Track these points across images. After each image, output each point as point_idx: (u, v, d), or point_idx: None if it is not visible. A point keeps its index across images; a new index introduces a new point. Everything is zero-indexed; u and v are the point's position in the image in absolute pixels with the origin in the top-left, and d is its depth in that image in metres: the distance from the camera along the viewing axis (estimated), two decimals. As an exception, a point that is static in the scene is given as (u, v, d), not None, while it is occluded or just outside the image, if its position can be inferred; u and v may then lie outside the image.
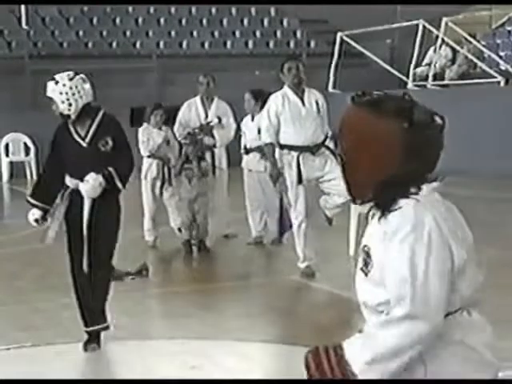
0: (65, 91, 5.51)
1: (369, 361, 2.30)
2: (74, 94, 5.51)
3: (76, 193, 5.57)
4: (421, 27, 16.80)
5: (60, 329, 6.21)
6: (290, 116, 7.55)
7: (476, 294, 2.41)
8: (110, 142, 5.58)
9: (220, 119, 9.30)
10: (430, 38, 17.34)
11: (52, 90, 5.55)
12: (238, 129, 9.59)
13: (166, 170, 9.20)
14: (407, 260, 2.27)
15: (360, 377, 2.30)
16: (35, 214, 5.66)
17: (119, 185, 5.55)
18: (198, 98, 9.51)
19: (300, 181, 7.53)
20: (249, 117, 9.43)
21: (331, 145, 7.54)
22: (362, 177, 2.38)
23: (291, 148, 7.55)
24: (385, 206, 2.34)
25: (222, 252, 9.23)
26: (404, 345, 2.28)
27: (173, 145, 9.27)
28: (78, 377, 5.20)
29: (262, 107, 9.23)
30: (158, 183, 9.19)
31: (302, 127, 7.54)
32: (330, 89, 17.45)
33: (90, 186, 5.50)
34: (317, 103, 7.62)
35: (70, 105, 5.53)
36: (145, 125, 9.40)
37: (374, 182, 2.35)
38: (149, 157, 9.23)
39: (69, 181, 5.62)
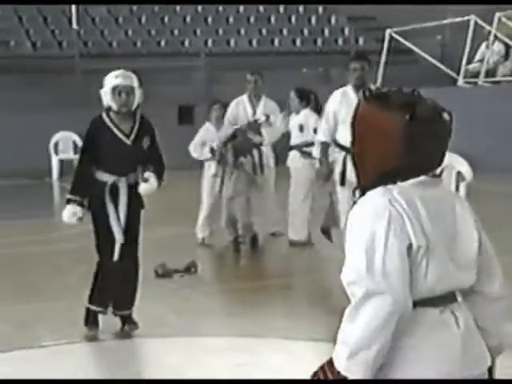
0: (140, 87, 5.80)
1: (348, 356, 2.31)
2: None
3: (111, 187, 5.73)
4: (472, 23, 16.58)
5: (109, 325, 6.26)
6: (345, 115, 7.34)
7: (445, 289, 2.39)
8: (148, 142, 5.83)
9: (268, 117, 9.29)
10: (482, 34, 17.09)
11: (136, 83, 5.77)
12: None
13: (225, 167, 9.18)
14: (363, 239, 2.32)
15: (347, 375, 2.31)
16: (77, 211, 5.73)
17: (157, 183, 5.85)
18: (245, 96, 9.52)
19: (343, 182, 7.46)
20: (293, 115, 9.42)
21: None
22: (368, 167, 2.46)
23: (341, 147, 7.48)
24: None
25: (270, 250, 9.21)
26: (374, 327, 2.27)
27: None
28: (124, 373, 5.22)
29: (306, 105, 9.24)
30: (218, 180, 9.18)
31: None
32: (379, 86, 17.32)
33: (149, 186, 5.75)
34: None
35: (139, 101, 5.79)
36: (206, 124, 9.36)
37: (379, 172, 2.42)
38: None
39: (106, 176, 5.76)
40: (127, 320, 5.96)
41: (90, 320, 5.96)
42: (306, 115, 9.22)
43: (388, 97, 2.45)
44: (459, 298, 2.50)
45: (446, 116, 2.48)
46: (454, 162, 8.60)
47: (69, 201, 5.80)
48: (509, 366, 4.32)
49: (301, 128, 9.20)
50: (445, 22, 17.99)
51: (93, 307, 5.94)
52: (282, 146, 9.67)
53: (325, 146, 7.57)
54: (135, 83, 5.79)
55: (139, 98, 5.79)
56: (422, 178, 2.44)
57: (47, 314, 6.65)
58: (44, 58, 18.90)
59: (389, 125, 2.40)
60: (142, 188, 5.78)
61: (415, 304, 2.35)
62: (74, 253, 8.73)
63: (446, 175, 8.34)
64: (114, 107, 5.75)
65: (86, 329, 5.95)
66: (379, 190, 2.39)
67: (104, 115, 5.83)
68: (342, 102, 7.45)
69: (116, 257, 5.76)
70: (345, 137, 7.47)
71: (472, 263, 2.47)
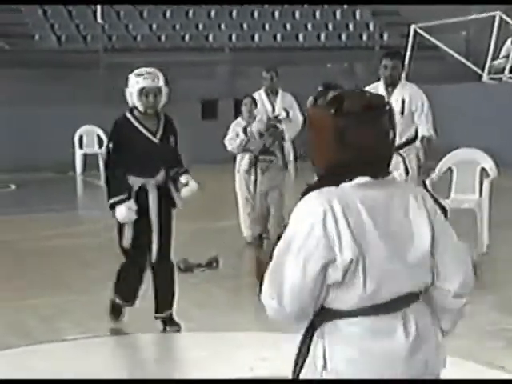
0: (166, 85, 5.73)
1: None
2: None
3: (140, 190, 5.65)
4: (497, 18, 16.46)
5: (132, 319, 6.29)
6: None
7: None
8: (173, 140, 5.79)
9: (288, 112, 9.28)
10: (507, 30, 16.97)
11: (162, 81, 5.69)
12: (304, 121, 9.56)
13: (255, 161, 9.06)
14: (282, 243, 2.35)
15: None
16: (130, 205, 5.56)
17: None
18: (262, 92, 9.52)
19: None
20: None
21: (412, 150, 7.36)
22: (316, 162, 2.47)
23: None
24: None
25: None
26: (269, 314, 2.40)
27: (266, 138, 9.18)
28: (146, 367, 5.25)
29: None
30: (252, 177, 9.07)
31: None
32: (403, 82, 17.23)
33: (191, 188, 5.77)
34: (403, 102, 7.35)
35: (165, 100, 5.72)
36: (238, 119, 9.29)
37: (324, 167, 2.43)
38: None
39: (133, 180, 5.64)
40: (169, 321, 5.87)
41: (115, 312, 5.98)
42: None
43: (323, 95, 2.44)
44: (418, 299, 2.45)
45: (381, 110, 2.42)
46: (478, 158, 8.56)
47: (113, 206, 5.58)
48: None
49: None
50: (470, 17, 17.86)
51: (118, 300, 5.95)
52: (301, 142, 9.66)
53: None
54: (161, 82, 5.67)
55: (165, 96, 5.71)
56: (366, 179, 2.38)
57: (71, 308, 6.68)
58: (69, 52, 18.99)
59: (319, 120, 2.42)
60: (185, 191, 5.77)
61: (355, 314, 2.34)
62: (98, 247, 8.76)
63: (469, 171, 8.32)
64: (141, 108, 5.64)
65: (111, 321, 5.97)
66: (316, 195, 2.36)
67: (128, 114, 5.72)
68: None
69: (154, 259, 5.70)
70: None
71: (426, 261, 2.41)
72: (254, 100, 9.20)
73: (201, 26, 20.90)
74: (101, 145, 17.37)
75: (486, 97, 15.81)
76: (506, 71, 16.39)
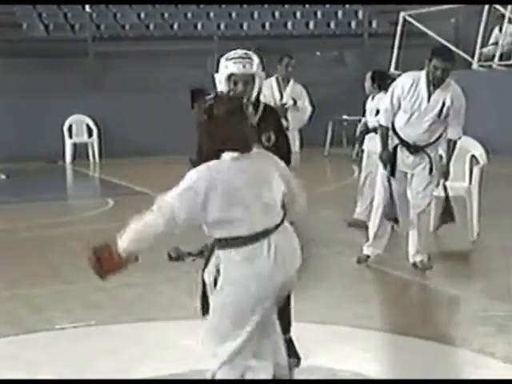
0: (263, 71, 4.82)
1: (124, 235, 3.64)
2: None
3: None
4: (486, 6, 16.46)
5: (123, 308, 6.28)
6: (409, 105, 7.05)
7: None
8: (273, 136, 4.84)
9: (295, 101, 9.23)
10: (496, 17, 16.98)
11: (257, 67, 4.72)
12: (314, 111, 9.55)
13: None
14: (182, 184, 3.59)
15: (120, 245, 3.72)
16: None
17: None
18: (273, 79, 9.39)
19: (393, 173, 7.22)
20: (369, 98, 9.37)
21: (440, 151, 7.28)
22: (204, 148, 3.73)
23: (397, 135, 7.21)
24: None
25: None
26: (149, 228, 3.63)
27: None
28: (136, 355, 5.24)
29: (379, 88, 9.16)
30: None
31: (415, 121, 7.05)
32: (392, 70, 17.23)
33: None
34: (443, 104, 6.99)
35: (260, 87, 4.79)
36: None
37: (207, 151, 3.67)
38: None
39: None
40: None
41: None
42: (380, 99, 9.13)
43: (205, 102, 3.70)
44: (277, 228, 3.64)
45: (239, 111, 3.67)
46: (468, 146, 8.57)
47: None
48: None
49: (377, 112, 9.11)
50: (459, 5, 17.86)
51: None
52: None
53: (385, 130, 7.23)
54: (254, 68, 4.66)
55: (260, 84, 4.71)
56: (235, 154, 3.61)
57: (62, 297, 6.68)
58: (57, 41, 18.90)
59: (197, 122, 3.68)
60: None
61: (236, 244, 3.60)
62: (86, 236, 8.74)
63: (459, 158, 8.33)
64: None
65: None
66: (204, 165, 3.61)
67: None
68: (411, 91, 7.03)
69: None
70: (403, 126, 7.10)
71: (278, 203, 3.66)
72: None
73: (189, 15, 20.83)
74: (90, 134, 17.33)
75: (475, 84, 15.83)
76: (496, 58, 16.40)
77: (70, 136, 17.35)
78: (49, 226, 9.80)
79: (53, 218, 10.35)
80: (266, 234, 3.59)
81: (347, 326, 5.77)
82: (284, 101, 9.32)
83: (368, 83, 9.31)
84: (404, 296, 6.87)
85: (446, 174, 7.30)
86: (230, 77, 4.64)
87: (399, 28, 17.67)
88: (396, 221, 7.41)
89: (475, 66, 16.60)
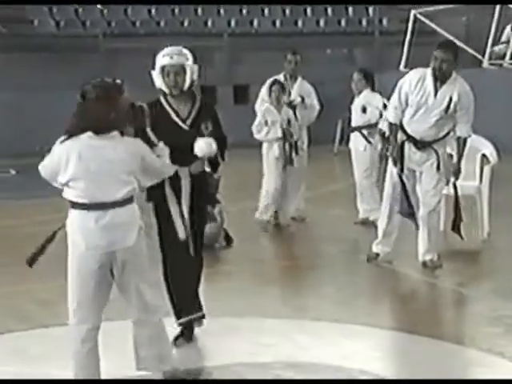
0: (193, 61, 5.27)
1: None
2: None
3: (172, 179, 5.15)
4: (498, 4, 16.39)
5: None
6: (415, 100, 7.04)
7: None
8: (210, 126, 5.31)
9: (303, 99, 9.21)
10: (508, 15, 16.91)
11: (188, 60, 5.26)
12: (322, 109, 9.52)
13: (288, 149, 9.05)
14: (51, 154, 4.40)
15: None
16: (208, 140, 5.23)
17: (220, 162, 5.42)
18: (281, 76, 9.40)
19: (401, 169, 7.19)
20: (356, 95, 9.34)
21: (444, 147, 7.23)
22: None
23: (404, 131, 7.19)
24: None
25: (297, 231, 9.20)
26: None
27: (294, 124, 9.12)
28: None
29: (368, 86, 9.14)
30: (280, 163, 9.06)
31: (422, 116, 7.04)
32: (402, 68, 17.21)
33: (203, 141, 5.18)
34: (450, 99, 6.95)
35: (192, 80, 5.25)
36: (266, 105, 9.13)
37: (72, 127, 4.38)
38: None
39: None
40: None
41: (187, 336, 5.44)
42: (367, 96, 9.14)
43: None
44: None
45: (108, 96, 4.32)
46: (479, 145, 8.53)
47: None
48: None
49: (364, 109, 9.11)
50: (470, 3, 17.80)
51: (184, 319, 5.43)
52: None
53: (395, 128, 7.19)
54: (186, 60, 5.22)
55: (192, 76, 5.22)
56: (91, 133, 4.22)
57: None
58: (67, 37, 18.93)
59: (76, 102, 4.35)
60: (196, 146, 5.16)
61: (79, 207, 4.25)
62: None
63: (470, 157, 8.30)
64: (165, 89, 5.27)
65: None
66: (67, 140, 4.29)
67: (161, 98, 5.35)
68: (418, 87, 7.03)
69: (192, 252, 5.30)
70: (410, 121, 7.09)
71: (124, 181, 4.20)
72: (282, 86, 9.09)
73: (200, 12, 20.82)
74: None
75: (486, 83, 15.76)
76: (507, 57, 16.32)
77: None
78: (58, 221, 9.76)
79: (61, 213, 10.32)
80: (100, 206, 4.19)
81: (356, 323, 5.76)
82: (292, 98, 9.31)
83: (361, 82, 9.14)
84: (413, 295, 6.85)
85: (456, 173, 7.27)
86: (162, 69, 5.25)
87: (410, 26, 17.61)
88: (413, 216, 7.32)
89: (486, 64, 16.54)
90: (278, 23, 20.88)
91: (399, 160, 7.19)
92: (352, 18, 21.34)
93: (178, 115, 5.31)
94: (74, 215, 4.28)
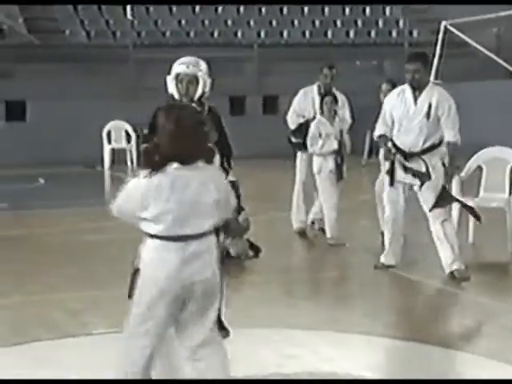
0: (208, 74, 5.58)
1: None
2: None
3: None
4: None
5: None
6: (399, 113, 7.33)
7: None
8: (215, 135, 5.51)
9: (335, 112, 9.13)
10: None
11: (202, 71, 5.56)
12: (353, 123, 9.49)
13: (340, 162, 8.95)
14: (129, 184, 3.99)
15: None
16: None
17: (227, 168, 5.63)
18: (315, 87, 9.34)
19: (391, 182, 7.38)
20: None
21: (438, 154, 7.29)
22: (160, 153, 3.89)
23: (394, 145, 7.39)
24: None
25: (323, 242, 9.17)
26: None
27: (345, 137, 9.10)
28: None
29: None
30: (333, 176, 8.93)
31: (407, 126, 7.28)
32: (433, 79, 17.12)
33: None
34: (429, 106, 7.20)
35: (204, 90, 5.55)
36: (318, 117, 9.04)
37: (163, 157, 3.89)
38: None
39: None
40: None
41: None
42: None
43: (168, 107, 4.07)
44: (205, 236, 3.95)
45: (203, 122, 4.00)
46: (508, 157, 8.48)
47: None
48: None
49: None
50: (501, 14, 17.71)
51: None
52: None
53: (384, 139, 7.45)
54: (200, 71, 5.53)
55: (204, 87, 5.54)
56: (177, 164, 3.86)
57: (99, 302, 6.71)
58: (98, 47, 19.10)
59: (165, 126, 3.90)
60: None
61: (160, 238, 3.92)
62: (125, 242, 8.77)
63: (499, 169, 8.25)
64: (176, 96, 5.53)
65: None
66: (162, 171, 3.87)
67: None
68: (398, 101, 7.35)
69: None
70: (397, 133, 7.35)
71: (209, 213, 3.94)
72: (335, 97, 9.02)
73: (230, 22, 20.92)
74: (129, 140, 17.45)
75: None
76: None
77: (109, 141, 17.48)
78: (87, 231, 9.87)
79: (91, 223, 10.42)
80: (185, 238, 3.93)
81: (382, 336, 5.73)
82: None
83: (387, 91, 8.89)
84: (442, 307, 6.80)
85: (449, 178, 7.35)
86: (176, 77, 5.50)
87: (440, 37, 17.55)
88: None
89: (517, 75, 16.44)
90: (307, 34, 20.92)
91: (390, 170, 7.39)
92: (382, 29, 21.33)
93: None
94: (153, 246, 4.00)
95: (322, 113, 9.04)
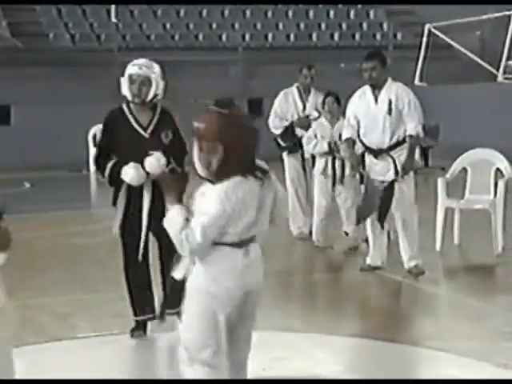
0: (161, 76, 5.64)
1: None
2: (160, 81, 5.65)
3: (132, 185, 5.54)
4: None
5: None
6: (362, 113, 7.46)
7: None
8: (170, 135, 5.61)
9: (320, 113, 9.10)
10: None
11: (156, 73, 5.60)
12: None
13: (338, 166, 8.75)
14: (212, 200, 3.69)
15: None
16: (136, 166, 5.49)
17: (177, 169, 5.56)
18: (294, 88, 9.33)
19: (361, 180, 7.52)
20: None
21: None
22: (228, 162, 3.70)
23: (362, 144, 7.52)
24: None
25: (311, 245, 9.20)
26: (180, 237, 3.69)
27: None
28: (158, 366, 5.26)
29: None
30: (329, 180, 8.80)
31: (371, 124, 7.39)
32: (417, 82, 17.19)
33: (153, 158, 5.44)
34: (389, 102, 7.31)
35: (156, 92, 5.58)
36: (320, 119, 8.96)
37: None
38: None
39: None
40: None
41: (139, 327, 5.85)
42: None
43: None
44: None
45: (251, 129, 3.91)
46: (493, 159, 8.53)
47: (112, 180, 5.60)
48: None
49: None
50: (484, 17, 17.82)
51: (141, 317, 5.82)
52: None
53: (350, 142, 7.56)
54: (153, 73, 5.58)
55: (156, 89, 5.57)
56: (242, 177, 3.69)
57: (87, 306, 6.72)
58: (83, 51, 19.07)
59: (226, 134, 3.77)
60: (146, 161, 5.45)
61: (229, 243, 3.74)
62: (112, 245, 8.77)
63: (484, 171, 8.30)
64: (128, 97, 5.58)
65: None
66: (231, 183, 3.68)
67: (124, 106, 5.66)
68: (360, 102, 7.47)
69: (140, 256, 5.69)
70: (364, 133, 7.48)
71: (267, 219, 3.86)
72: (337, 98, 8.84)
73: (214, 26, 20.93)
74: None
75: (501, 97, 15.76)
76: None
77: (95, 145, 17.42)
78: (73, 234, 9.85)
79: (77, 226, 10.41)
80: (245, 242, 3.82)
81: (373, 338, 5.76)
82: (307, 112, 9.25)
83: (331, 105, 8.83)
84: (428, 309, 6.84)
85: (407, 170, 7.35)
86: (129, 78, 5.56)
87: (424, 40, 17.63)
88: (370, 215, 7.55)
89: (500, 78, 16.51)
90: (292, 37, 20.96)
91: (360, 169, 7.52)
92: (366, 31, 21.40)
93: (138, 123, 5.61)
94: (219, 253, 3.77)
95: (319, 114, 9.05)
